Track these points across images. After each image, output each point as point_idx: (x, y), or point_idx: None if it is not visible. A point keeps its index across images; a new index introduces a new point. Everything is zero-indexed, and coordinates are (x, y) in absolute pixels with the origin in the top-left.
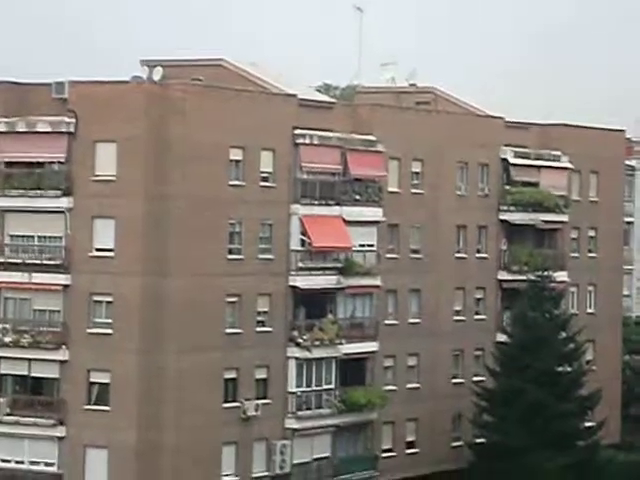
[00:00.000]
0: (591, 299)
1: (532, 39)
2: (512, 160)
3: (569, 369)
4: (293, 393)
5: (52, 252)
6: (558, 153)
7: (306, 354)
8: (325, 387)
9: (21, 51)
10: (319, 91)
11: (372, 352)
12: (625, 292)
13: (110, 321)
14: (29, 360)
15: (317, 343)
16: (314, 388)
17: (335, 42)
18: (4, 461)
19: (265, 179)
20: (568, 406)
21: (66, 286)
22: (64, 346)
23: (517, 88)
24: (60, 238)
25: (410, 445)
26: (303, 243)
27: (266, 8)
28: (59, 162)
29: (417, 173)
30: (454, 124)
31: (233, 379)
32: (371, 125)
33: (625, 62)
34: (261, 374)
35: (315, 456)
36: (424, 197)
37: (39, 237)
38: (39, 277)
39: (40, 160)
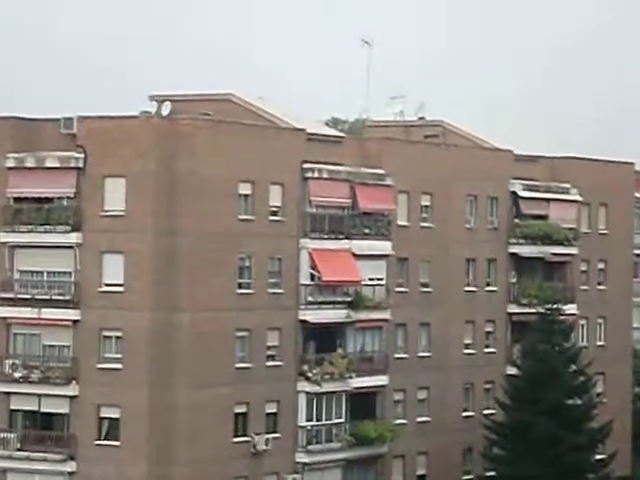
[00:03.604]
0: (601, 332)
1: (539, 69)
2: (521, 193)
3: (579, 402)
4: (303, 427)
5: (61, 287)
6: (567, 186)
7: (316, 388)
8: (335, 421)
9: (29, 87)
10: (328, 125)
11: (382, 386)
12: (635, 324)
13: (120, 356)
14: (39, 395)
15: (327, 377)
16: (324, 422)
17: (343, 76)
18: None
19: (274, 213)
20: (579, 439)
21: (76, 321)
22: (74, 381)
23: (525, 119)
24: (69, 273)
25: (421, 479)
26: (312, 277)
27: (273, 43)
28: (68, 197)
29: (426, 206)
30: (463, 157)
31: (243, 413)
32: (380, 159)
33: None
34: (271, 408)
35: None
36: (433, 230)
37: (48, 272)
38: (49, 312)
39: (49, 195)
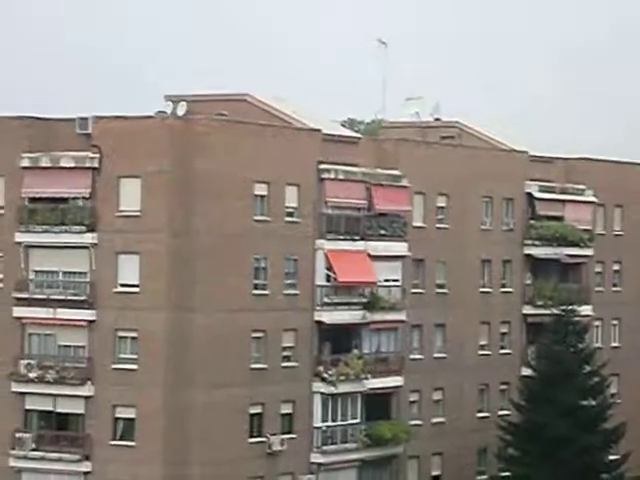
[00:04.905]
0: (615, 333)
1: (558, 69)
2: (537, 194)
3: (594, 403)
4: (318, 428)
5: (77, 288)
6: (583, 187)
7: (331, 389)
8: (350, 422)
9: (44, 86)
10: (344, 126)
11: (397, 387)
12: None
13: (135, 356)
14: (54, 396)
15: (342, 378)
16: (339, 423)
17: (359, 77)
18: None
19: (290, 214)
20: (593, 439)
21: (91, 322)
22: (89, 382)
23: (543, 119)
24: (85, 274)
25: (435, 479)
26: (328, 278)
27: (290, 43)
28: (83, 197)
29: (442, 208)
30: (479, 158)
31: (259, 414)
32: (396, 160)
33: None
34: (286, 409)
35: None
36: (449, 232)
37: (63, 273)
38: (64, 313)
39: (64, 195)
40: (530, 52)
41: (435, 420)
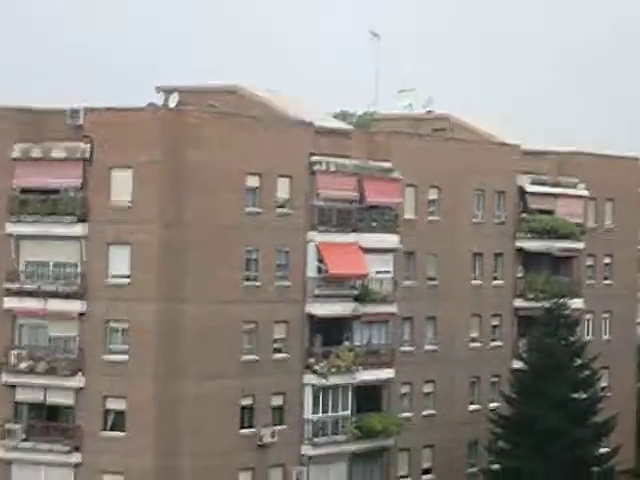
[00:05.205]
0: (606, 326)
1: (558, 69)
2: (528, 188)
3: (584, 396)
4: (309, 420)
5: (67, 279)
6: (574, 181)
7: (322, 381)
8: (341, 414)
9: (36, 76)
10: (336, 118)
11: (388, 379)
12: None
13: (126, 348)
14: (45, 387)
15: (333, 370)
16: (330, 415)
17: (352, 69)
18: None
19: (281, 206)
20: (583, 432)
21: (82, 313)
22: (80, 373)
23: (543, 120)
24: (76, 265)
25: (426, 472)
26: (319, 270)
27: (282, 35)
28: (74, 188)
29: (433, 200)
30: (471, 151)
31: (249, 406)
32: (388, 152)
33: None
34: (277, 401)
35: None
36: (440, 224)
37: (54, 264)
38: (54, 304)
39: (55, 186)
40: (530, 52)
41: (426, 412)
